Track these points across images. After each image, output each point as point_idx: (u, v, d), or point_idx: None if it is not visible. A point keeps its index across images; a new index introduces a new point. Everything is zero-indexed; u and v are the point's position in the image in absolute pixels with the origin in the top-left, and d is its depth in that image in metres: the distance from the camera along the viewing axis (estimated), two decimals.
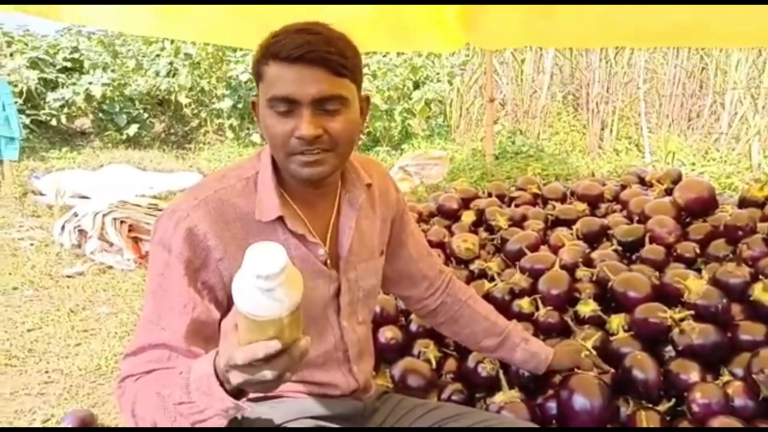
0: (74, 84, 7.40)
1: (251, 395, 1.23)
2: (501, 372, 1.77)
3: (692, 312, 1.75)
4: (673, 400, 1.65)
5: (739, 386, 1.60)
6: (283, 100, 1.05)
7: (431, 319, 1.59)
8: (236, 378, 0.86)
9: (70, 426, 2.04)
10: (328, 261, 1.22)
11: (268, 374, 0.84)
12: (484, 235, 2.62)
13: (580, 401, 1.56)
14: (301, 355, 0.85)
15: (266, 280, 0.79)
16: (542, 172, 4.55)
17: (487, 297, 2.07)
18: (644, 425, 1.56)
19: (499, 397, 1.71)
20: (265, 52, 1.06)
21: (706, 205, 2.31)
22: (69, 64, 8.03)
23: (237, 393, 0.91)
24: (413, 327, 2.09)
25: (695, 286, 1.80)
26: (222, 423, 0.93)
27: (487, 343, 1.56)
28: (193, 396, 0.93)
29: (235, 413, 0.92)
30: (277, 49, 1.03)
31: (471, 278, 2.32)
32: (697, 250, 2.13)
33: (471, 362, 1.87)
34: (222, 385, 0.89)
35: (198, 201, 1.10)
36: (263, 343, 0.82)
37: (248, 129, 7.58)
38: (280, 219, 1.14)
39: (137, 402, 1.01)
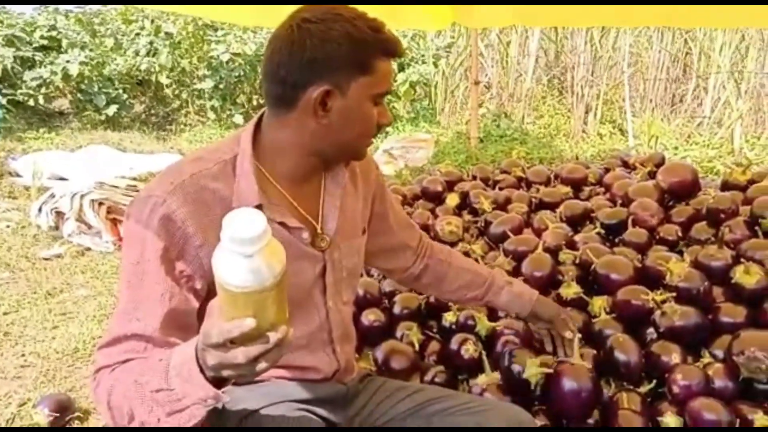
0: (51, 63, 7.23)
1: None
2: (484, 354, 1.77)
3: (674, 294, 1.76)
4: (654, 381, 1.66)
5: (720, 368, 1.61)
6: (387, 93, 1.17)
7: (416, 283, 1.62)
8: (211, 358, 0.84)
9: (46, 410, 2.01)
10: (314, 241, 1.21)
11: (240, 356, 0.81)
12: (468, 217, 2.62)
13: (568, 384, 1.55)
14: (279, 342, 0.82)
15: (243, 245, 0.76)
16: (527, 156, 4.54)
17: None
18: (625, 406, 1.57)
19: (481, 379, 1.71)
20: (379, 47, 1.10)
21: (689, 189, 2.32)
22: (46, 42, 7.83)
23: (218, 381, 0.88)
24: (396, 309, 2.07)
25: (677, 268, 1.81)
26: (200, 414, 0.91)
27: (474, 293, 1.59)
28: (172, 383, 0.90)
29: (215, 403, 0.90)
30: (391, 47, 1.12)
31: None
32: (680, 233, 2.14)
33: (454, 344, 1.87)
34: (202, 371, 0.87)
35: (174, 186, 1.06)
36: (238, 321, 0.80)
37: (230, 110, 7.47)
38: (259, 206, 1.11)
39: (113, 392, 0.98)
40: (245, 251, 0.76)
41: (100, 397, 1.00)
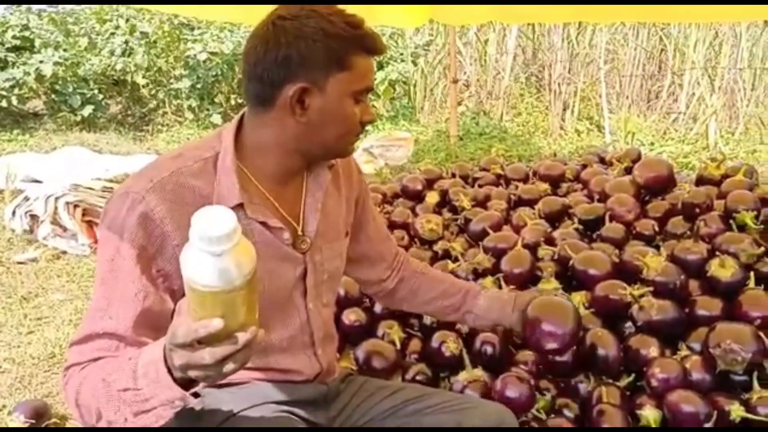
0: (25, 63, 7.09)
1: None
2: (464, 351, 1.77)
3: (651, 288, 1.78)
4: (633, 375, 1.68)
5: (697, 360, 1.63)
6: (368, 90, 1.15)
7: (390, 299, 1.58)
8: (178, 358, 0.82)
9: (22, 417, 1.97)
10: (295, 243, 1.19)
11: (206, 357, 0.80)
12: (447, 215, 2.62)
13: (547, 326, 1.42)
14: (248, 343, 0.81)
15: (212, 244, 0.74)
16: (505, 153, 4.55)
17: None
18: (605, 400, 1.58)
19: (462, 376, 1.71)
20: (356, 42, 1.09)
21: (665, 184, 2.35)
22: (19, 43, 7.68)
23: (187, 383, 0.87)
24: (377, 309, 2.07)
25: (654, 262, 1.83)
26: (167, 415, 0.89)
27: (450, 301, 1.51)
28: (140, 383, 0.89)
29: (182, 405, 0.89)
30: (369, 43, 1.10)
31: (435, 258, 2.32)
32: (656, 228, 2.17)
33: (435, 342, 1.87)
34: (170, 372, 0.86)
35: (153, 183, 1.05)
36: (205, 320, 0.78)
37: (208, 110, 7.39)
38: (240, 205, 1.10)
39: (81, 391, 0.96)
40: (214, 250, 0.74)
41: (69, 395, 0.99)
